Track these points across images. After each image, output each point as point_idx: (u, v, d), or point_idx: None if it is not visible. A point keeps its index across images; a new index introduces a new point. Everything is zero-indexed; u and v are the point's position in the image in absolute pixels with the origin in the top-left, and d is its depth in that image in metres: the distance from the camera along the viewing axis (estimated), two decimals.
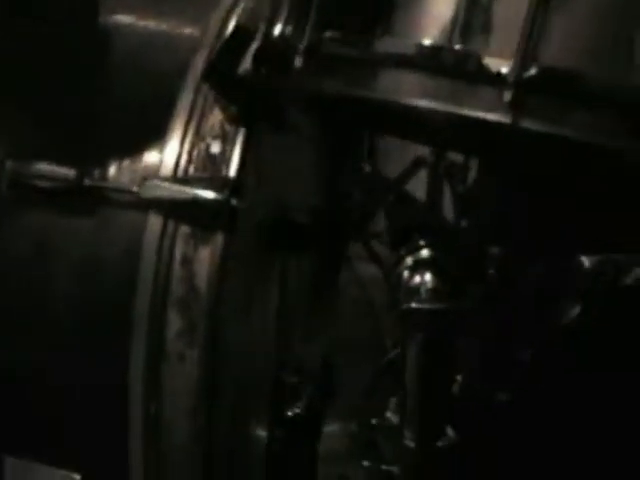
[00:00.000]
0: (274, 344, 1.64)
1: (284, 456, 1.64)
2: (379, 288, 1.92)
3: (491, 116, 1.12)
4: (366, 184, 1.68)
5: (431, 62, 1.15)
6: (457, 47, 1.13)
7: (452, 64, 1.13)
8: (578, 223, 1.40)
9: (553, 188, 1.34)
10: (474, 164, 1.81)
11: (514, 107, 1.10)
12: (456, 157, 1.90)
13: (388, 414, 1.45)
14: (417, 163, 1.96)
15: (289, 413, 1.63)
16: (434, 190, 1.98)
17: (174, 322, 1.35)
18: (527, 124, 1.11)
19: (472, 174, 1.82)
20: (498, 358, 1.45)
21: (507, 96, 1.10)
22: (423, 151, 1.94)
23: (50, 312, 1.38)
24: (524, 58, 1.09)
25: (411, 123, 1.22)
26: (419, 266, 1.34)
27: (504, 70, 1.10)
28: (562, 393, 1.39)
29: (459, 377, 1.46)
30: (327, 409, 1.75)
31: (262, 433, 1.63)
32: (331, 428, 1.81)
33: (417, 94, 1.15)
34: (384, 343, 1.85)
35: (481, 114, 1.12)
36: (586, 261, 1.36)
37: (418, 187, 1.94)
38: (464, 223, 1.68)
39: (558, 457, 1.41)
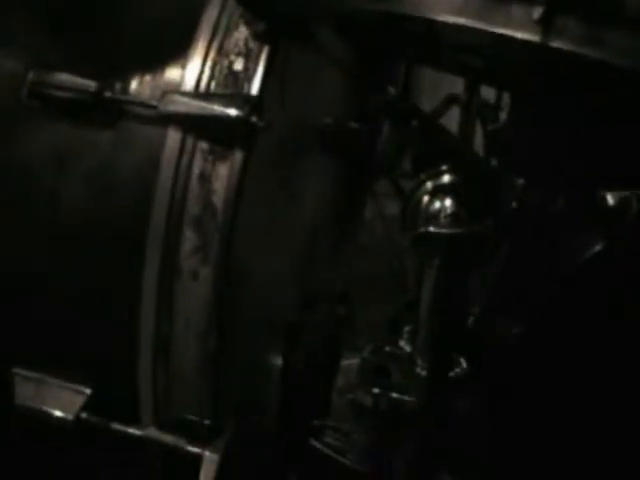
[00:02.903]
0: (294, 273, 1.62)
1: (299, 386, 1.63)
2: None
3: (520, 34, 1.08)
4: (396, 114, 1.64)
5: None
6: None
7: None
8: (603, 157, 1.36)
9: (581, 117, 1.30)
10: (506, 104, 1.76)
11: (544, 25, 1.06)
12: (488, 95, 1.86)
13: (401, 343, 1.43)
14: (450, 100, 1.92)
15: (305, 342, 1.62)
16: (466, 128, 1.94)
17: (189, 238, 1.33)
18: (557, 44, 1.07)
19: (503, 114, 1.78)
20: (513, 291, 1.42)
21: (537, 13, 1.06)
22: (456, 89, 1.90)
23: (63, 221, 1.36)
24: None
25: (437, 41, 1.19)
26: (439, 191, 1.31)
27: None
28: (577, 328, 1.37)
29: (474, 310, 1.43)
30: (344, 342, 1.73)
31: (278, 362, 1.62)
32: (349, 362, 1.78)
33: (444, 9, 1.12)
34: (405, 281, 1.83)
35: (509, 31, 1.08)
36: (609, 197, 1.32)
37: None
38: (494, 161, 1.64)
39: (571, 392, 1.39)
